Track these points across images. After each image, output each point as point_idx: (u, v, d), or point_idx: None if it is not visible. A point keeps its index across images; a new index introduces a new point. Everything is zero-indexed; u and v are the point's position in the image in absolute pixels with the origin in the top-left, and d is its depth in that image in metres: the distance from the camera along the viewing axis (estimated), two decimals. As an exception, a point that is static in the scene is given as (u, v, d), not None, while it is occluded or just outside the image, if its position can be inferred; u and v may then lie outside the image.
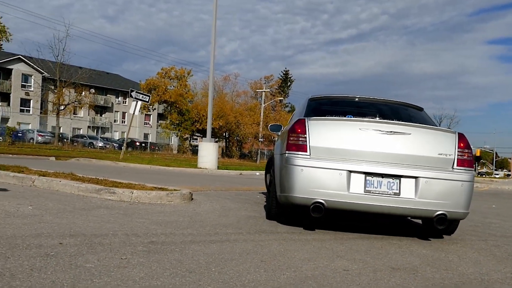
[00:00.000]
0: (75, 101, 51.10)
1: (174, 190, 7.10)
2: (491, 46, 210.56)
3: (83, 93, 53.90)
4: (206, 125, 20.82)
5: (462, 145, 5.17)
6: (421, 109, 6.45)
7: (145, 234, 4.24)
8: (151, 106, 61.16)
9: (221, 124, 57.84)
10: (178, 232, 4.53)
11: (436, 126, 5.80)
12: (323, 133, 5.18)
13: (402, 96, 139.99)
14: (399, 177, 5.00)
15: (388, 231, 5.89)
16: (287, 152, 5.22)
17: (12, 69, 61.32)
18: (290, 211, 5.92)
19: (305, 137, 5.14)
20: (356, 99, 6.35)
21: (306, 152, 5.11)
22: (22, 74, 62.23)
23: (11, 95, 61.32)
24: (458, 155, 5.13)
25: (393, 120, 5.49)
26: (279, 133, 7.71)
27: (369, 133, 5.09)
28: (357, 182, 4.97)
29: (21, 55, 59.13)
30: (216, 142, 20.77)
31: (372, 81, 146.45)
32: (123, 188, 6.77)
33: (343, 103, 6.39)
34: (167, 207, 6.23)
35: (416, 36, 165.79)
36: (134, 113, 21.60)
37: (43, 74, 59.21)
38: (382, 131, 5.08)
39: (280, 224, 5.62)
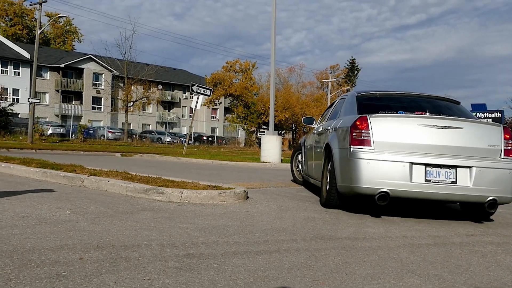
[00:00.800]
0: (143, 98, 51.99)
1: (228, 188, 6.59)
2: None
3: (151, 89, 54.68)
4: (270, 118, 20.26)
5: (507, 136, 5.66)
6: (458, 102, 6.98)
7: (183, 244, 3.73)
8: (217, 100, 61.46)
9: (287, 116, 57.32)
10: (222, 240, 3.99)
11: (477, 119, 6.34)
12: (385, 128, 5.61)
13: (477, 81, 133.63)
14: (455, 167, 5.51)
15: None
16: (352, 146, 5.62)
17: (83, 68, 63.14)
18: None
19: (369, 133, 5.56)
20: (400, 95, 6.94)
21: (371, 146, 5.53)
22: (93, 73, 63.89)
23: (83, 93, 63.18)
24: (504, 146, 5.63)
25: (439, 114, 6.05)
26: (313, 125, 8.79)
27: (427, 128, 5.54)
28: (419, 172, 5.46)
29: (92, 55, 60.72)
30: (281, 134, 20.24)
31: (443, 66, 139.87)
32: (174, 187, 6.35)
33: (389, 99, 6.87)
34: (218, 208, 5.73)
35: (489, 17, 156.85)
36: (196, 107, 21.41)
37: (113, 72, 60.80)
38: (438, 126, 5.55)
39: (341, 228, 4.98)
